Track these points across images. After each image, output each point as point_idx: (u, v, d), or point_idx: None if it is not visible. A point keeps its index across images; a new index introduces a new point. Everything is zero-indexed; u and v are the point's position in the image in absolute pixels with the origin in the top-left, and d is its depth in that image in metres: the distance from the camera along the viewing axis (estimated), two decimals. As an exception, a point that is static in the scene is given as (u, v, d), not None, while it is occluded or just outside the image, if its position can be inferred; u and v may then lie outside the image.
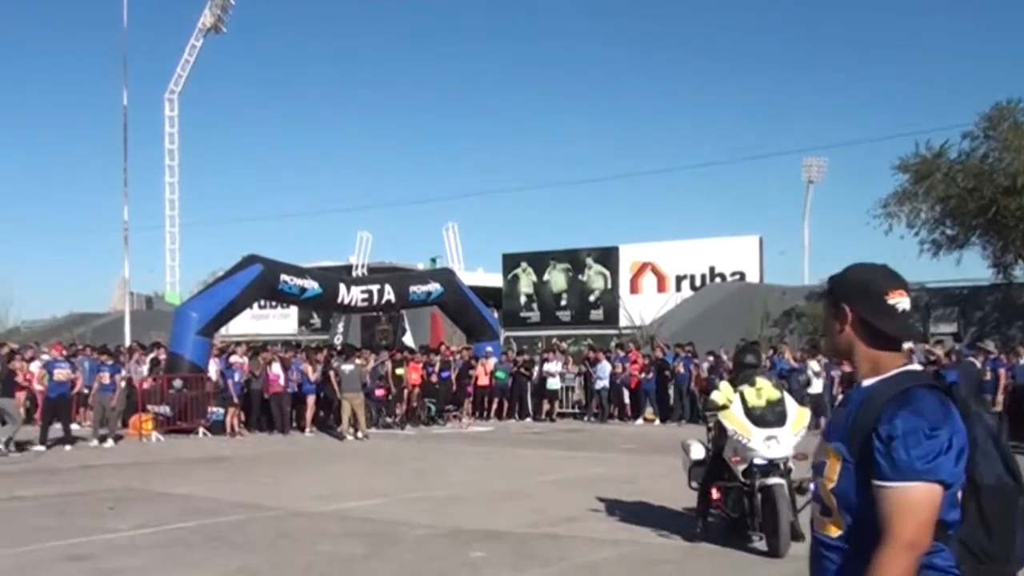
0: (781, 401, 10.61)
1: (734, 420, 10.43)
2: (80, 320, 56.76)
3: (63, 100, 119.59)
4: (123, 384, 23.71)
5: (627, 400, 29.95)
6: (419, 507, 13.56)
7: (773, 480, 10.12)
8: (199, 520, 12.49)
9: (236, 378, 25.33)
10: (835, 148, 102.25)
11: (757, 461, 10.26)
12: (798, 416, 10.65)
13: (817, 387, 25.18)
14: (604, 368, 29.69)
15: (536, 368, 31.20)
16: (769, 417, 10.42)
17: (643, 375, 29.26)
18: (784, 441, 10.34)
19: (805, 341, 35.50)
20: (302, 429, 26.07)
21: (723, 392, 10.80)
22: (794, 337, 36.79)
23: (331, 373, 25.85)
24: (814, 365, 25.60)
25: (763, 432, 10.29)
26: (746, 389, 10.58)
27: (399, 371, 28.36)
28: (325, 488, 15.58)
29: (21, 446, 20.81)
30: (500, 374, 30.81)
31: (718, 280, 45.26)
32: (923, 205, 37.15)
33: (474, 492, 15.28)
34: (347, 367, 25.14)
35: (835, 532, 3.11)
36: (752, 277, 44.60)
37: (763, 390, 10.58)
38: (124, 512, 13.14)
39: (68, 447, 21.42)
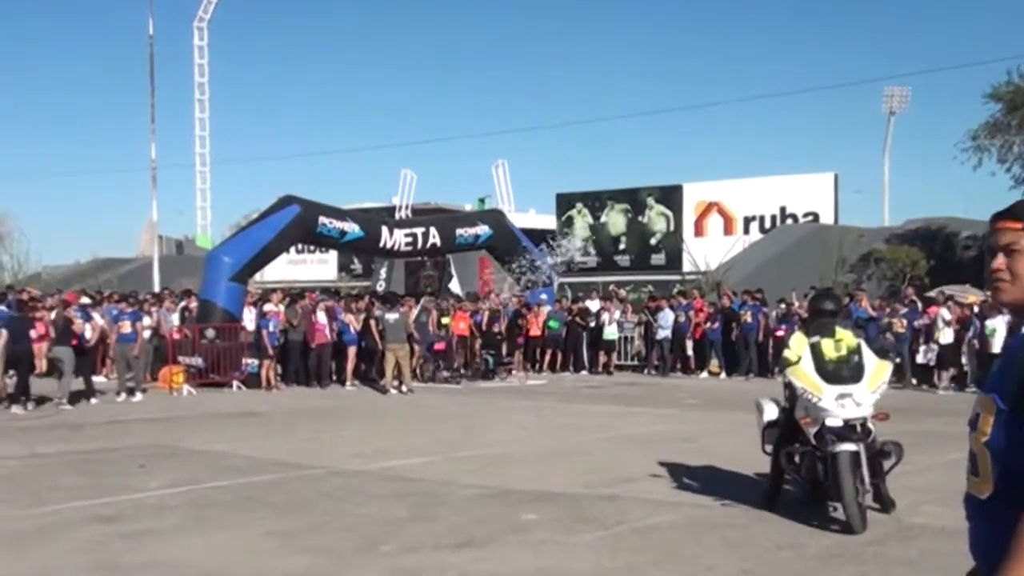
0: (858, 352, 10.11)
1: (803, 376, 9.96)
2: (105, 266, 57.36)
3: (84, 30, 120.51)
4: (146, 333, 23.88)
5: (690, 352, 29.87)
6: (466, 466, 13.61)
7: (842, 447, 9.60)
8: (233, 479, 12.61)
9: (271, 328, 25.47)
10: (919, 76, 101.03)
11: (829, 423, 9.75)
12: (877, 371, 10.06)
13: (948, 336, 25.00)
14: (666, 317, 29.57)
15: (592, 317, 31.12)
16: (844, 372, 9.92)
17: (708, 325, 29.13)
18: (861, 399, 9.81)
19: (884, 288, 35.24)
20: (342, 383, 26.27)
21: (794, 347, 10.33)
22: (872, 283, 36.52)
23: (372, 322, 25.94)
24: (945, 313, 25.27)
25: (836, 389, 9.78)
26: (823, 340, 10.18)
27: (444, 320, 28.41)
28: (367, 446, 15.68)
29: (41, 400, 21.05)
30: (553, 324, 30.77)
31: (790, 221, 44.93)
32: (1016, 138, 36.62)
33: (525, 450, 15.33)
34: (392, 316, 25.16)
35: (986, 491, 3.03)
36: (827, 218, 44.22)
37: (843, 341, 10.14)
38: (154, 470, 13.29)
39: (93, 400, 21.68)
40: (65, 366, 21.23)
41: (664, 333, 29.56)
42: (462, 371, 28.45)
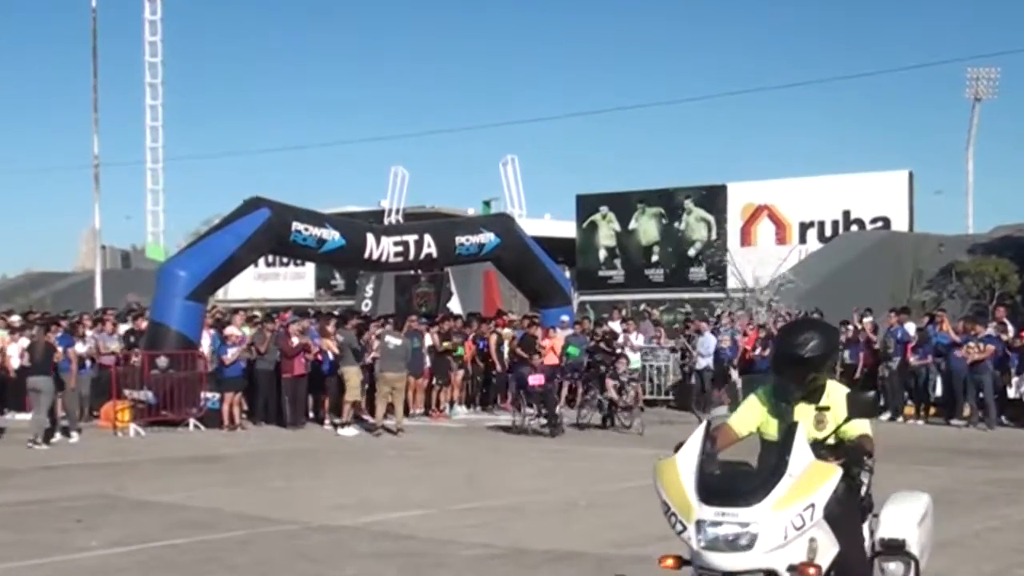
0: (789, 438, 6.68)
1: (671, 483, 6.54)
2: (39, 281, 57.52)
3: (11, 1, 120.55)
4: (79, 360, 23.86)
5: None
6: (470, 520, 13.61)
7: None
8: (190, 536, 12.59)
9: (230, 355, 25.26)
10: (1009, 56, 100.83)
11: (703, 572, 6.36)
12: (805, 479, 6.31)
13: None
14: (707, 342, 29.50)
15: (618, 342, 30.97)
16: (735, 481, 6.62)
17: (757, 351, 29.05)
18: (753, 535, 6.15)
19: (969, 307, 35.10)
20: (320, 421, 26.21)
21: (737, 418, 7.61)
22: (954, 302, 36.40)
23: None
24: None
25: (713, 513, 6.26)
26: (790, 410, 7.29)
27: (446, 344, 28.25)
28: (351, 496, 15.72)
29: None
30: (573, 350, 30.64)
31: (855, 228, 44.96)
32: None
33: (540, 501, 15.33)
34: (395, 340, 24.64)
35: None
36: (900, 224, 44.26)
37: (831, 413, 7.05)
38: (95, 526, 13.26)
39: None
40: (43, 398, 21.38)
41: (705, 362, 29.45)
42: (556, 418, 24.73)
